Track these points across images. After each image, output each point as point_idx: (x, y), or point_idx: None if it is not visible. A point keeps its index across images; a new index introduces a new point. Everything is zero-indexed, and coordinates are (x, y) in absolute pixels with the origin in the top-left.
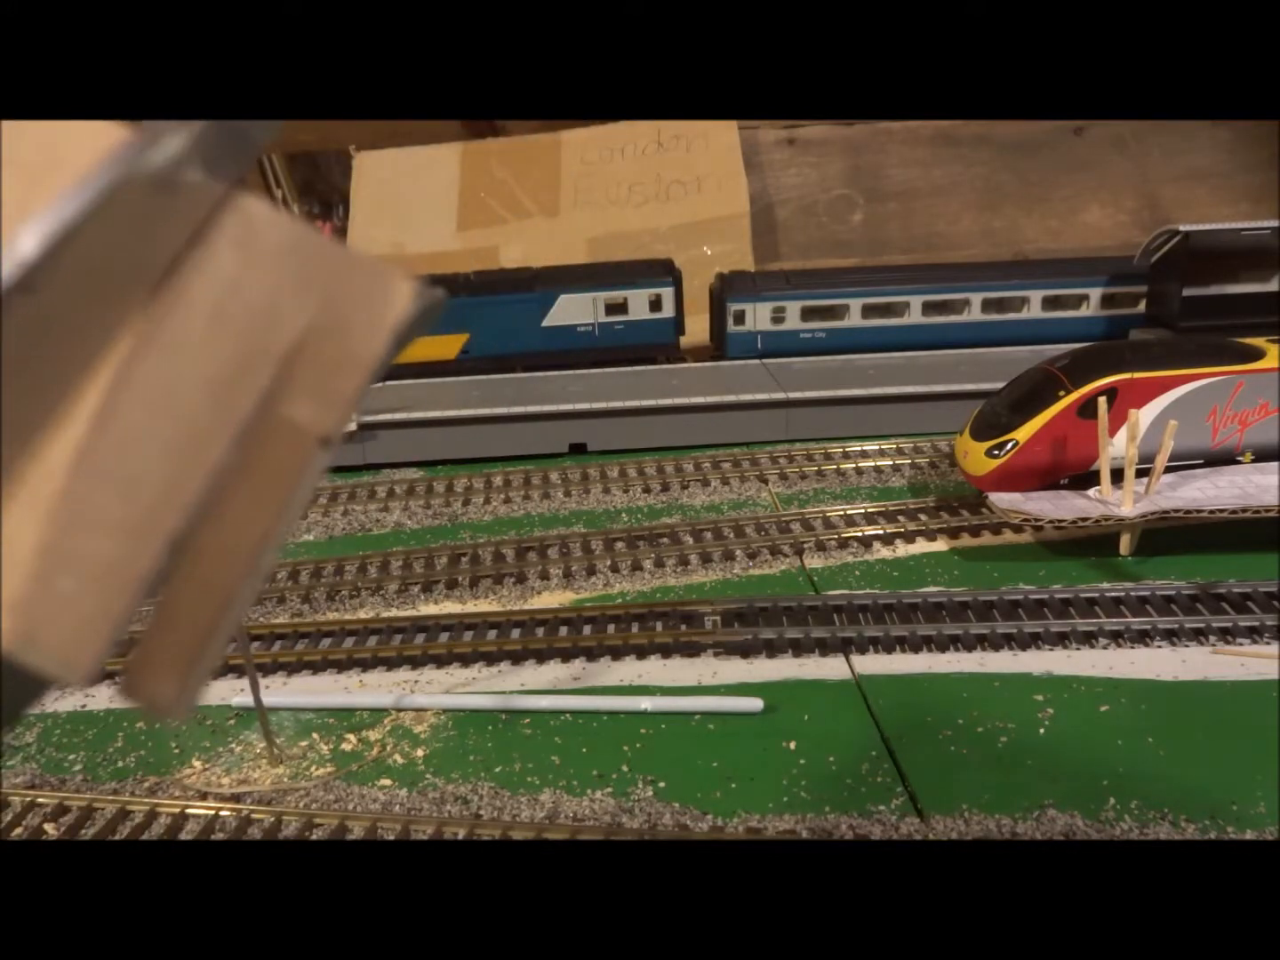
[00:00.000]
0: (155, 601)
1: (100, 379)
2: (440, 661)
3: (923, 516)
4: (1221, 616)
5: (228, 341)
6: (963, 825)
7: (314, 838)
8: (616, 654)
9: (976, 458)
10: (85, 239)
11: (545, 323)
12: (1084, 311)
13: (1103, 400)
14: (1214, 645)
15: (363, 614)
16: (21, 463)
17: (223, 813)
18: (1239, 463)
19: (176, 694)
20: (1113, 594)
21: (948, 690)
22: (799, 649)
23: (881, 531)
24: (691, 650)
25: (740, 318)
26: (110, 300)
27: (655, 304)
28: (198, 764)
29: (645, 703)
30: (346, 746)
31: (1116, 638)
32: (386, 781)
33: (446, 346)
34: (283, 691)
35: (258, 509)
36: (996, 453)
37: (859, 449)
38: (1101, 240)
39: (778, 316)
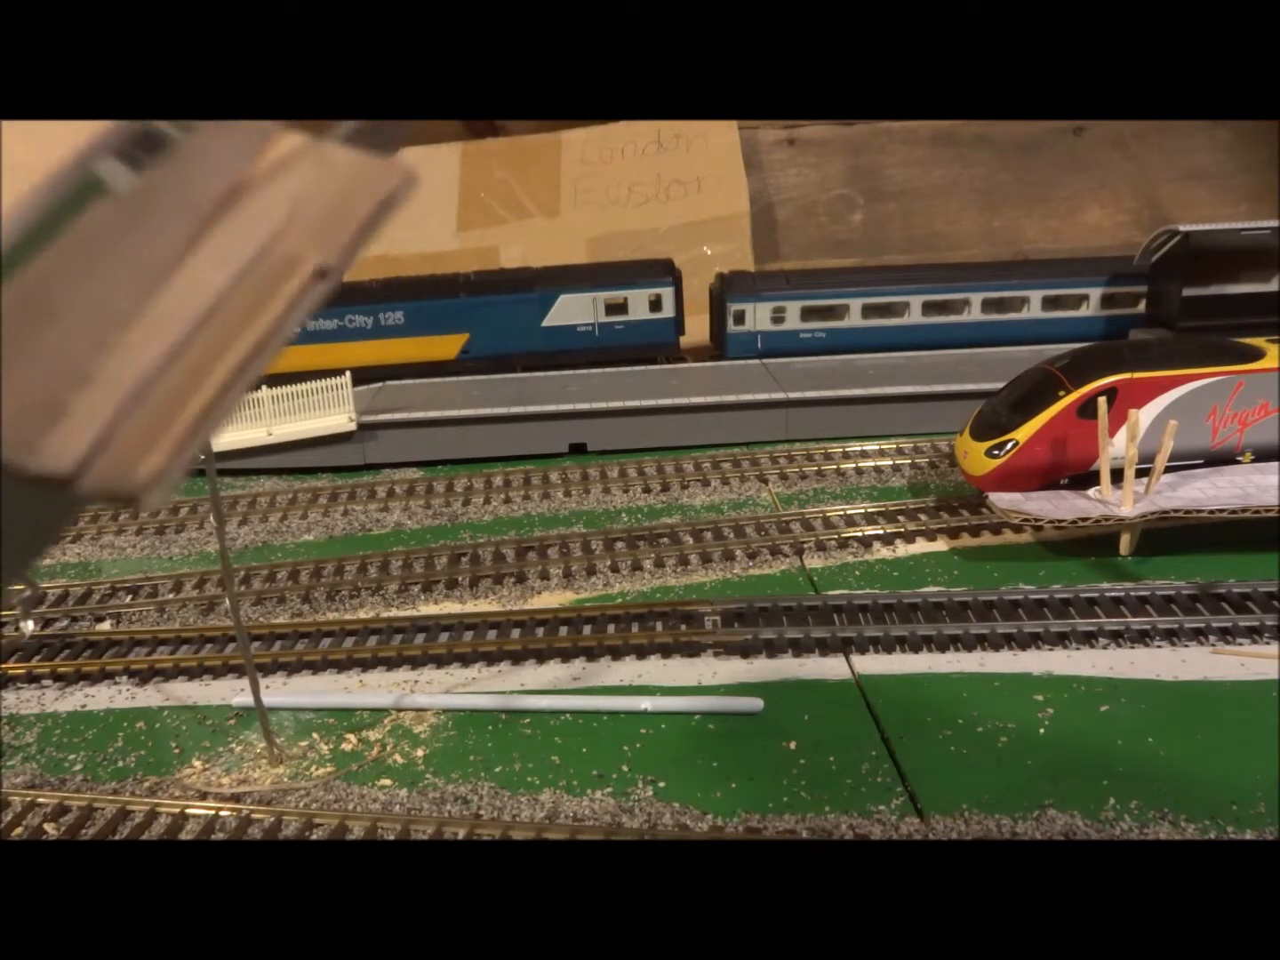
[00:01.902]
0: (143, 392)
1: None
2: (440, 661)
3: (923, 516)
4: (1221, 616)
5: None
6: (963, 825)
7: (314, 838)
8: (616, 654)
9: (976, 458)
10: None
11: (545, 323)
12: (1084, 311)
13: (1103, 400)
14: (1214, 645)
15: (363, 614)
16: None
17: (223, 813)
18: (1239, 463)
19: (159, 473)
20: (1113, 594)
21: (948, 690)
22: (799, 649)
23: (881, 531)
24: (691, 650)
25: (740, 318)
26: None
27: (655, 304)
28: (198, 764)
29: (645, 703)
30: (346, 746)
31: (1116, 638)
32: (386, 781)
33: (446, 346)
34: (283, 691)
35: (258, 321)
36: (996, 453)
37: (859, 449)
38: (1101, 240)
39: (778, 316)
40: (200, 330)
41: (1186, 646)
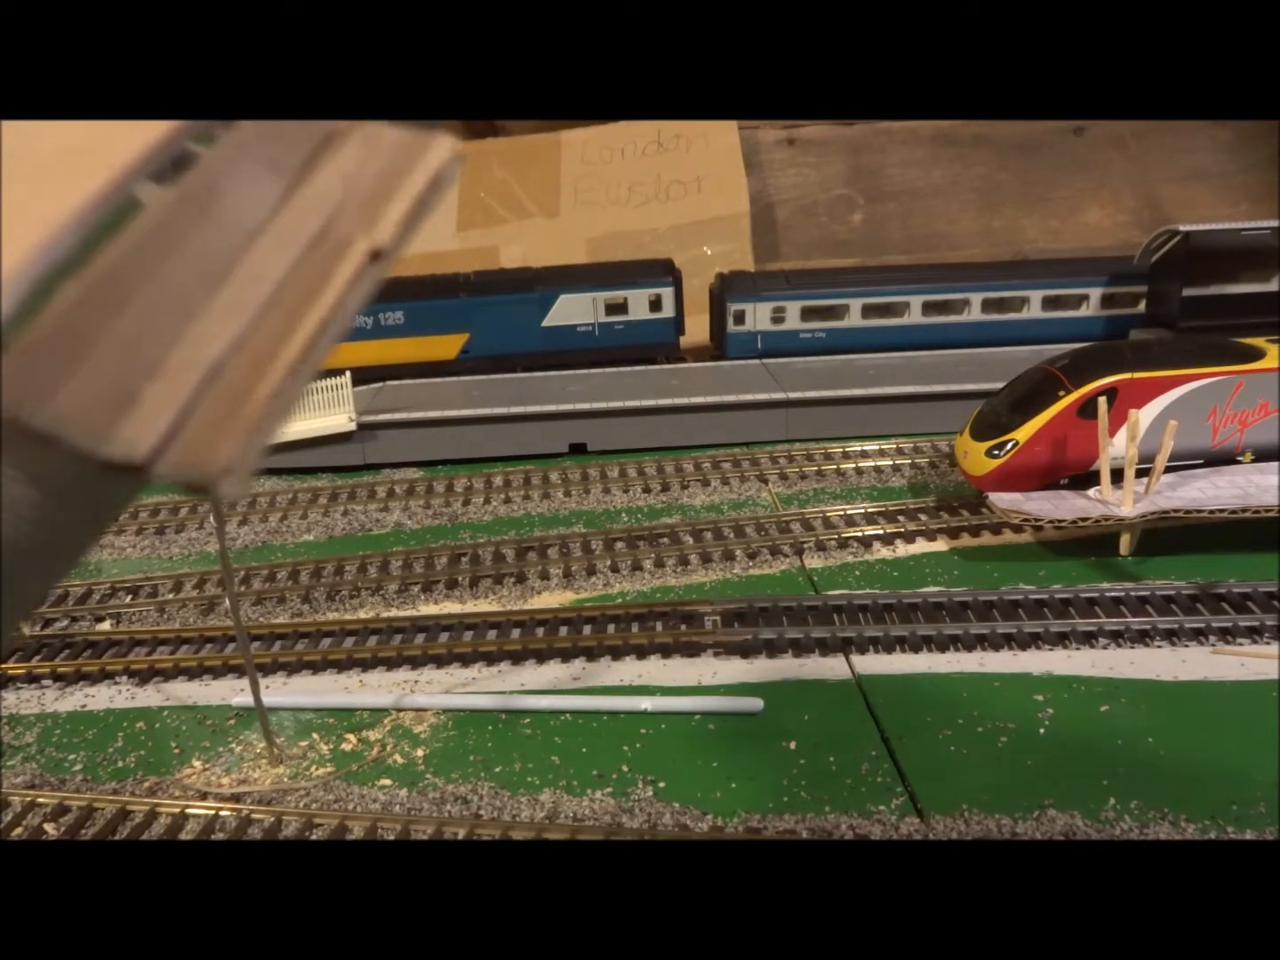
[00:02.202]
0: (212, 380)
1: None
2: (440, 661)
3: (923, 516)
4: (1221, 616)
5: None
6: (963, 825)
7: (314, 838)
8: (616, 654)
9: (976, 458)
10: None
11: (545, 323)
12: (1084, 311)
13: (1103, 400)
14: (1214, 645)
15: (363, 614)
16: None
17: (223, 813)
18: (1239, 463)
19: (236, 461)
20: (1113, 594)
21: (948, 690)
22: (799, 649)
23: (881, 531)
24: (691, 650)
25: (740, 318)
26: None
27: (655, 304)
28: (198, 764)
29: (645, 703)
30: (346, 746)
31: (1116, 638)
32: (386, 781)
33: (446, 346)
34: (283, 691)
35: (318, 304)
36: (996, 453)
37: (859, 449)
38: (1101, 240)
39: (778, 316)
40: (263, 317)
41: (1186, 646)
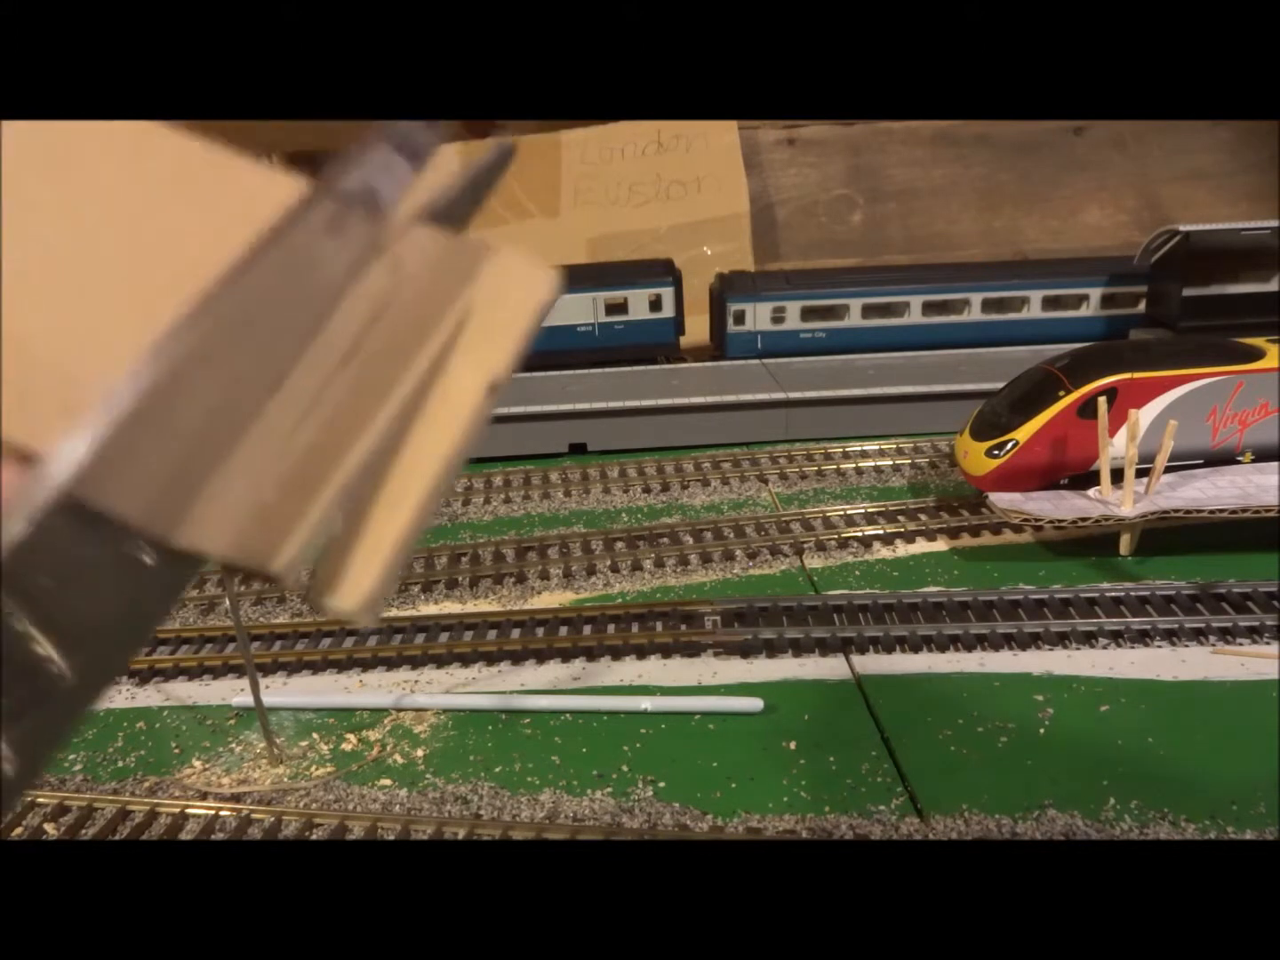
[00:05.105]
0: (346, 520)
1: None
2: (440, 661)
3: (923, 516)
4: (1221, 616)
5: (404, 328)
6: (963, 825)
7: (314, 838)
8: (616, 654)
9: (976, 458)
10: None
11: (545, 322)
12: (1084, 311)
13: (1103, 400)
14: (1214, 645)
15: None
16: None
17: (223, 813)
18: (1239, 463)
19: (369, 597)
20: (1113, 594)
21: (948, 690)
22: (799, 649)
23: (881, 531)
24: (691, 650)
25: (740, 318)
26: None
27: (655, 304)
28: (198, 764)
29: (645, 703)
30: (346, 746)
31: (1116, 638)
32: (386, 781)
33: None
34: (283, 691)
35: (440, 440)
36: (996, 453)
37: (859, 449)
38: (1101, 240)
39: (778, 316)
40: (393, 450)
41: (1186, 646)
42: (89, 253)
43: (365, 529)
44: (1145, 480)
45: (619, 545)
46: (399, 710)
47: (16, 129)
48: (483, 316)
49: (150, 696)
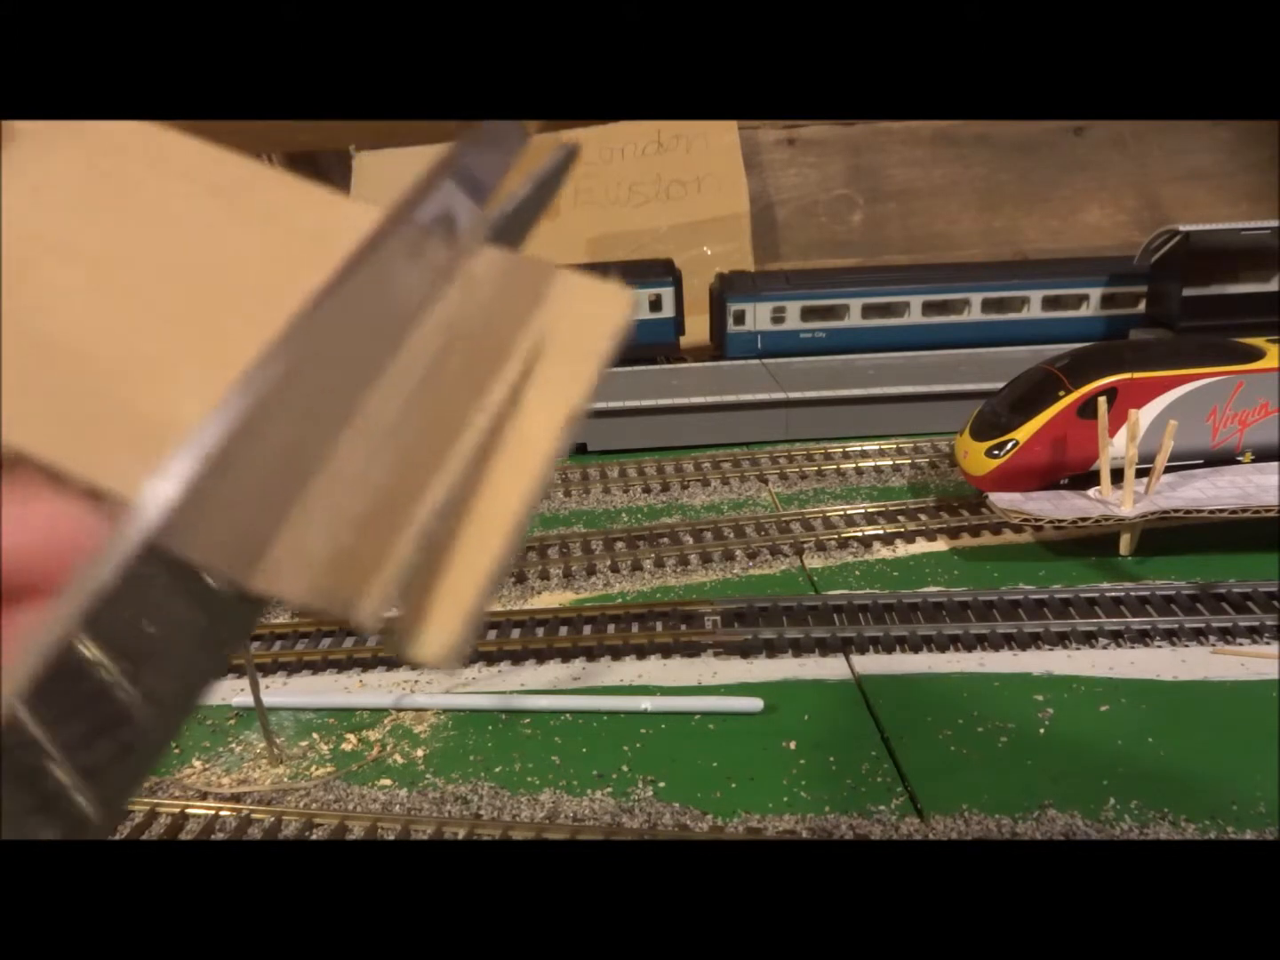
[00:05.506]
0: (425, 562)
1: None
2: None
3: (923, 516)
4: (1221, 616)
5: (482, 358)
6: (963, 825)
7: (314, 838)
8: (616, 654)
9: (976, 458)
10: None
11: None
12: (1084, 311)
13: (1103, 400)
14: (1214, 645)
15: None
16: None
17: (223, 813)
18: (1239, 463)
19: (454, 645)
20: (1113, 594)
21: (948, 690)
22: (799, 649)
23: (881, 531)
24: (691, 650)
25: (740, 318)
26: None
27: (655, 304)
28: (198, 764)
29: (645, 703)
30: (346, 746)
31: (1116, 638)
32: (386, 781)
33: None
34: (283, 691)
35: (517, 474)
36: (996, 453)
37: (859, 449)
38: (1101, 240)
39: (778, 316)
40: (470, 487)
41: (1186, 646)
42: (153, 276)
43: (446, 572)
44: (1145, 480)
45: (619, 545)
46: (399, 710)
47: (83, 132)
48: (559, 343)
49: None
